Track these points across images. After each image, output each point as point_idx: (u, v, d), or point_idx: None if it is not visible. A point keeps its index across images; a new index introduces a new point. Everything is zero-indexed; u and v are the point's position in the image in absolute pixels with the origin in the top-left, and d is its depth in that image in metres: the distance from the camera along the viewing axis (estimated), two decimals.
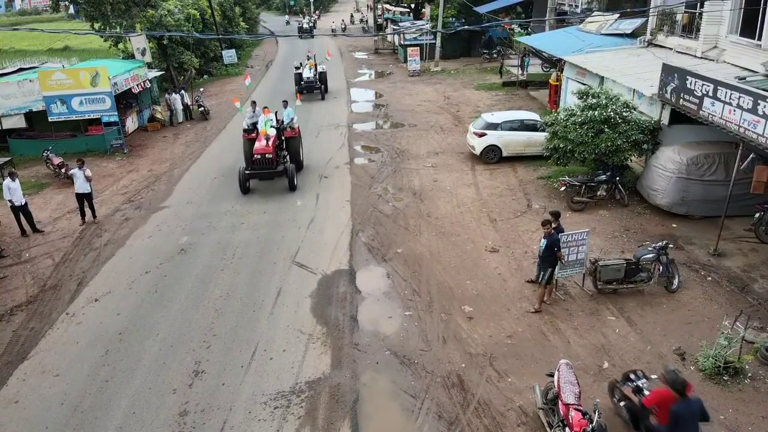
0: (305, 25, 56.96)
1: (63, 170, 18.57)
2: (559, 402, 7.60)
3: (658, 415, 6.92)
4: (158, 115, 26.30)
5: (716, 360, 9.06)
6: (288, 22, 69.63)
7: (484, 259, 13.00)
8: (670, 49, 18.43)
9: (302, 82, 29.81)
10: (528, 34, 32.01)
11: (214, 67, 39.69)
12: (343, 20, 67.57)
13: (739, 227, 13.40)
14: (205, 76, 37.95)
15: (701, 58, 16.51)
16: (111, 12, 28.60)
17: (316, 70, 30.18)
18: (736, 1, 15.40)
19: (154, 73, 28.27)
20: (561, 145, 15.45)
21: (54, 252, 14.23)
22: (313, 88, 29.80)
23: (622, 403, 7.98)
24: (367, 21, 67.85)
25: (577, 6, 29.69)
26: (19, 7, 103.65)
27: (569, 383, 7.63)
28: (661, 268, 11.21)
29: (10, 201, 14.73)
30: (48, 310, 11.75)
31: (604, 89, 15.93)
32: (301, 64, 31.26)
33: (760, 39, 14.53)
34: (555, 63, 26.00)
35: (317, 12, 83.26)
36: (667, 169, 14.06)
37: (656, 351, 9.76)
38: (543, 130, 17.20)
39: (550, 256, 10.66)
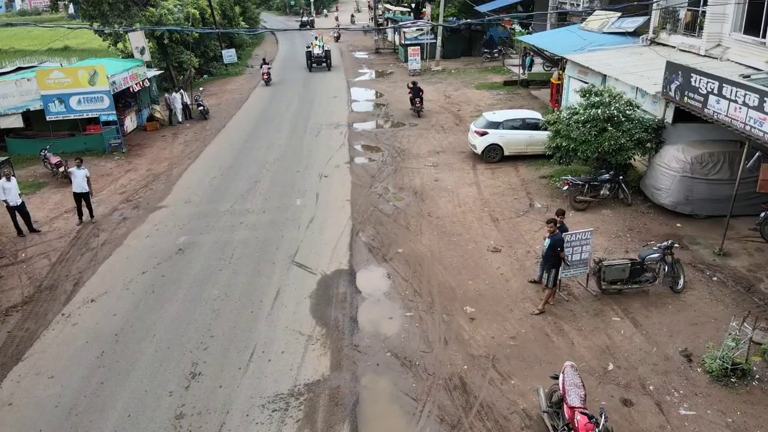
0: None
1: (61, 169, 18.42)
2: (564, 405, 7.44)
3: None
4: (157, 115, 26.14)
5: (723, 361, 8.90)
6: (303, 22, 66.03)
7: (486, 259, 12.83)
8: (673, 47, 18.27)
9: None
10: (529, 33, 31.85)
11: (214, 67, 39.54)
12: (339, 26, 60.86)
13: (744, 227, 13.23)
14: (204, 76, 37.79)
15: (705, 56, 16.34)
16: (110, 11, 28.46)
17: None
18: None
19: (154, 73, 28.10)
20: (563, 144, 15.28)
21: (50, 252, 14.07)
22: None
23: None
24: (346, 30, 60.51)
25: (578, 4, 29.52)
26: (19, 8, 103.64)
27: (574, 386, 7.46)
28: (666, 268, 11.05)
29: (5, 201, 14.59)
30: (44, 311, 11.58)
31: (607, 87, 15.76)
32: None
33: (764, 36, 14.36)
34: (556, 62, 25.84)
35: (336, 5, 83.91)
36: (671, 168, 13.89)
37: (662, 352, 9.59)
38: (545, 129, 17.04)
39: (552, 256, 10.48)
